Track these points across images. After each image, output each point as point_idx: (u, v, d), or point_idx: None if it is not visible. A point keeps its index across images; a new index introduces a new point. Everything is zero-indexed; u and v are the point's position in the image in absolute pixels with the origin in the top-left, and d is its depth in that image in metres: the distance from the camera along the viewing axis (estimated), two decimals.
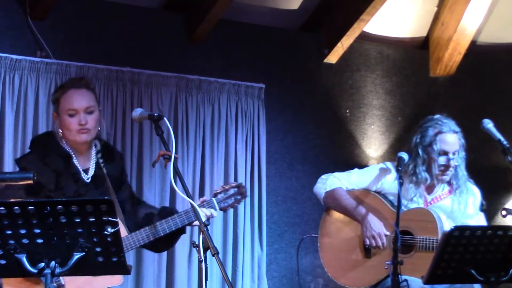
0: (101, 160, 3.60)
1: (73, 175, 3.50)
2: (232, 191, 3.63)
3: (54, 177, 3.45)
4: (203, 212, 3.46)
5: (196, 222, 3.41)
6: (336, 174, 4.30)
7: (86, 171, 3.55)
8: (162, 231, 3.49)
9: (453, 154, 4.05)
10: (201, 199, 3.61)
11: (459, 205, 4.12)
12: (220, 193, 3.61)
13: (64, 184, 3.47)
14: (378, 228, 4.09)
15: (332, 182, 4.25)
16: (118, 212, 3.46)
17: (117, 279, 3.47)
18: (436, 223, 3.97)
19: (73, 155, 3.52)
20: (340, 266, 4.23)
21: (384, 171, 4.21)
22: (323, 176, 4.33)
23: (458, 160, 4.07)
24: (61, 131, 3.50)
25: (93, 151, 3.60)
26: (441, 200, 4.14)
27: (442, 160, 4.04)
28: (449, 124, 4.06)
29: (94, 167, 3.57)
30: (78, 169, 3.52)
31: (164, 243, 3.66)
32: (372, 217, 4.11)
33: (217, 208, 3.57)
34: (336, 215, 4.28)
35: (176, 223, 3.51)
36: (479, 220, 4.17)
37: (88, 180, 3.53)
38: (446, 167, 4.05)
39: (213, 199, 3.58)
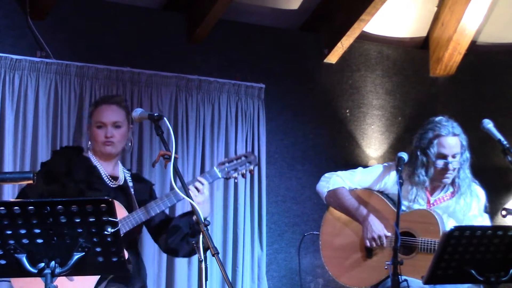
0: (129, 178, 3.79)
1: (87, 168, 3.68)
2: (239, 160, 3.68)
3: (65, 165, 3.66)
4: (193, 191, 3.54)
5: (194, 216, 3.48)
6: (339, 172, 4.29)
7: (114, 178, 3.72)
8: (153, 212, 3.57)
9: (453, 157, 4.01)
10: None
11: (461, 207, 4.09)
12: (224, 163, 3.67)
13: (74, 171, 3.65)
14: (379, 230, 4.08)
15: (335, 181, 4.24)
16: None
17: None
18: (438, 225, 3.96)
19: (97, 163, 3.72)
20: (341, 265, 4.22)
21: (387, 171, 4.20)
22: (326, 175, 4.32)
23: (458, 163, 4.03)
24: (90, 142, 3.75)
25: (120, 167, 3.80)
26: (444, 201, 4.13)
27: (440, 163, 4.01)
28: (449, 127, 4.02)
29: (123, 178, 3.75)
30: (95, 166, 3.71)
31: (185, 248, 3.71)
32: (373, 219, 4.10)
33: (220, 175, 3.64)
34: (338, 214, 4.27)
35: (166, 203, 3.58)
36: (484, 221, 4.14)
37: (114, 186, 3.70)
38: (445, 170, 4.03)
39: (214, 167, 3.66)
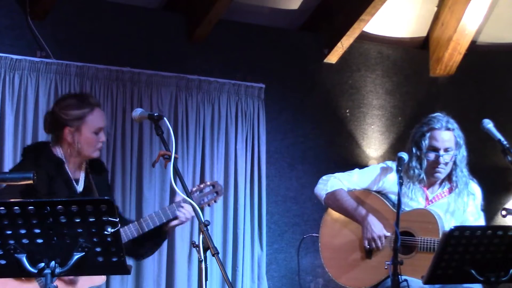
0: (89, 170, 3.71)
1: (66, 182, 3.58)
2: (207, 189, 3.72)
3: (47, 181, 3.52)
4: (185, 212, 3.60)
5: (175, 222, 3.62)
6: (336, 174, 4.29)
7: (76, 181, 3.64)
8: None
9: (445, 151, 4.03)
10: (176, 197, 3.69)
11: (459, 205, 4.11)
12: (195, 192, 3.68)
13: (57, 189, 3.54)
14: (378, 229, 4.08)
15: (333, 183, 4.24)
16: None
17: (100, 278, 3.53)
18: (437, 224, 3.97)
19: (66, 164, 3.61)
20: (341, 266, 4.22)
21: (385, 171, 4.21)
22: (324, 177, 4.33)
23: (450, 158, 4.04)
24: (74, 146, 3.59)
25: (84, 163, 3.71)
26: (442, 198, 4.14)
27: (431, 156, 4.04)
28: (443, 122, 4.05)
29: (84, 178, 3.67)
30: (70, 176, 3.61)
31: (145, 249, 3.72)
32: (372, 219, 4.10)
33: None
34: (337, 215, 4.27)
35: (148, 224, 3.58)
36: (479, 220, 4.16)
37: (80, 190, 3.63)
38: (436, 163, 4.04)
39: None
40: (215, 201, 3.74)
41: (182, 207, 3.62)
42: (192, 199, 3.58)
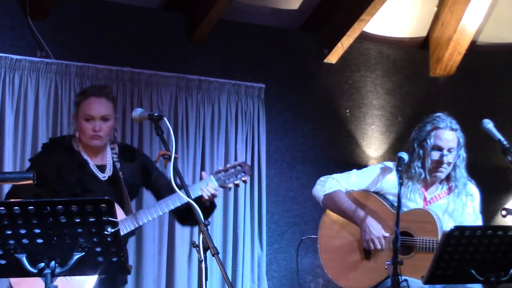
0: (116, 159, 3.74)
1: (80, 166, 3.64)
2: (234, 169, 3.73)
3: (56, 168, 3.60)
4: (207, 190, 3.61)
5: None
6: (335, 175, 4.28)
7: (101, 168, 3.69)
8: (141, 221, 3.60)
9: (448, 151, 4.03)
10: (203, 175, 3.73)
11: (457, 206, 4.11)
12: (220, 171, 3.71)
13: (66, 174, 3.61)
14: (377, 231, 4.07)
15: (331, 184, 4.23)
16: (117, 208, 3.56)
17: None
18: (436, 224, 3.96)
19: (83, 151, 3.68)
20: (340, 267, 4.22)
21: (383, 171, 4.20)
22: (322, 178, 4.31)
23: (453, 158, 4.04)
24: (77, 132, 3.70)
25: (108, 153, 3.75)
26: (440, 199, 4.14)
27: (435, 155, 4.03)
28: (447, 121, 4.05)
29: (111, 167, 3.72)
30: (86, 161, 3.67)
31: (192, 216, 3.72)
32: (370, 220, 4.09)
33: (216, 184, 3.68)
34: (335, 217, 4.26)
35: (163, 208, 3.61)
36: (476, 222, 4.15)
37: (104, 179, 3.68)
38: (439, 163, 4.03)
39: (211, 176, 3.68)
40: (243, 181, 3.74)
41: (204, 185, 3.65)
42: (215, 178, 3.66)
